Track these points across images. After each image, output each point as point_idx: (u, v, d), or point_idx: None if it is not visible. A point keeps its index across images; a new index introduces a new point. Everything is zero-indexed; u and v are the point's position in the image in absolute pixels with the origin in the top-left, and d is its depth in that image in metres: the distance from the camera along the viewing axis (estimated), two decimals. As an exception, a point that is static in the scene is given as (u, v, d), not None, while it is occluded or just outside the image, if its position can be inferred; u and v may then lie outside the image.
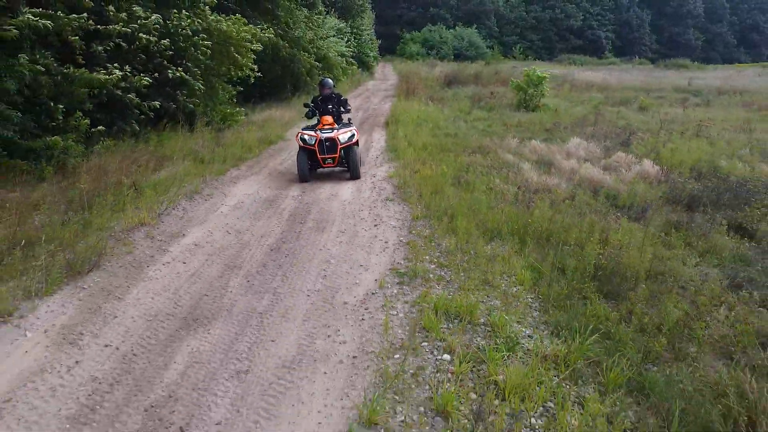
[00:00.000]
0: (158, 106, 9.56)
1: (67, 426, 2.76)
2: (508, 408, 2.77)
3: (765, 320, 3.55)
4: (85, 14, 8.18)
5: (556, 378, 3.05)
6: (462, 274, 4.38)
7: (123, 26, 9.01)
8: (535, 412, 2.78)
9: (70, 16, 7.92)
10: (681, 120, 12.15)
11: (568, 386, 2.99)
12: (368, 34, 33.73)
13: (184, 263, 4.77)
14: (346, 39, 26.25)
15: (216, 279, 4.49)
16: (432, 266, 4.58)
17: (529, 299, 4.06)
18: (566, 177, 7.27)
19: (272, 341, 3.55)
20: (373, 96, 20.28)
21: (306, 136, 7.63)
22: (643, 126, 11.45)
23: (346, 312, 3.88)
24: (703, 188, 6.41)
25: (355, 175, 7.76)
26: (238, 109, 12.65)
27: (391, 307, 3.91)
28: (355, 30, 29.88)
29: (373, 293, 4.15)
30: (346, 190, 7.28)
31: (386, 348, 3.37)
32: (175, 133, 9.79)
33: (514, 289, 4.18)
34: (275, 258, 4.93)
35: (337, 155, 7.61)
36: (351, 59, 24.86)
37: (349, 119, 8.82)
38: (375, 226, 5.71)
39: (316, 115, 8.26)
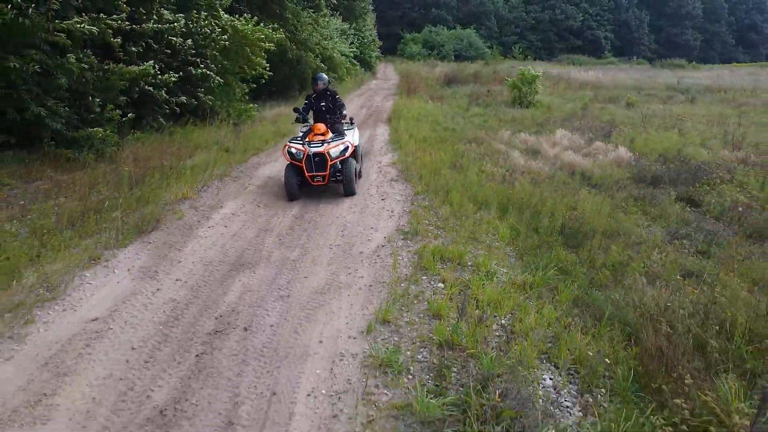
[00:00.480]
0: (184, 102, 10.64)
1: (160, 327, 3.80)
2: (482, 313, 3.80)
3: (688, 260, 4.58)
4: (123, 14, 9.23)
5: (522, 297, 4.08)
6: (454, 232, 5.41)
7: (155, 24, 10.05)
8: (504, 316, 3.81)
9: (111, 17, 8.97)
10: (662, 115, 13.18)
11: (530, 302, 4.02)
12: (370, 35, 34.79)
13: (226, 227, 5.81)
14: (349, 40, 27.31)
15: (253, 238, 5.52)
16: (430, 227, 5.62)
17: (508, 250, 5.09)
18: (550, 162, 8.30)
19: (305, 278, 4.59)
20: (375, 95, 21.32)
21: (293, 150, 6.75)
22: (627, 120, 12.49)
23: (361, 258, 4.92)
24: (666, 169, 7.43)
25: (349, 191, 6.88)
26: (251, 105, 13.70)
27: (398, 254, 4.95)
28: (357, 31, 30.95)
29: (382, 246, 5.19)
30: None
31: (394, 279, 4.41)
32: (196, 127, 10.83)
33: (496, 243, 5.22)
34: (300, 224, 5.97)
35: (326, 173, 6.67)
36: (354, 60, 25.91)
37: (351, 119, 7.95)
38: (382, 200, 6.75)
39: (307, 121, 7.56)
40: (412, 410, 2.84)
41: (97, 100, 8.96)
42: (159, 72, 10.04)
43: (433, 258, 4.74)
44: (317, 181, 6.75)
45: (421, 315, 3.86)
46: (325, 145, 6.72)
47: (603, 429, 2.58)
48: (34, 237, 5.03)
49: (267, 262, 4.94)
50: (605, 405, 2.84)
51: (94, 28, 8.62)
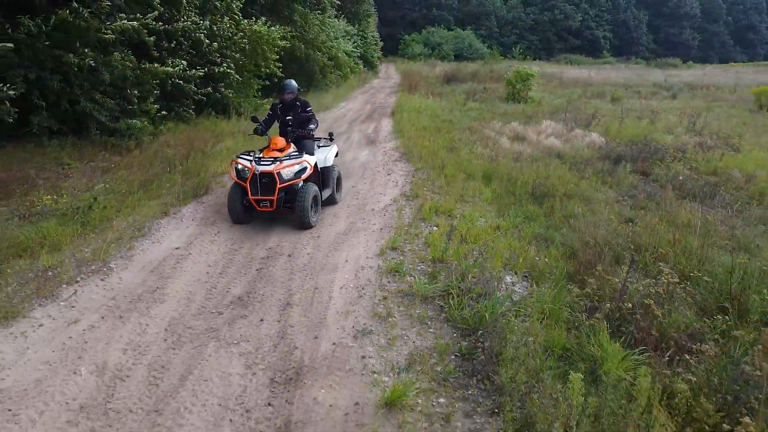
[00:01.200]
0: (210, 92, 12.06)
1: (226, 254, 5.17)
2: (469, 246, 5.16)
3: (628, 212, 5.95)
4: (156, 12, 10.60)
5: (496, 233, 5.46)
6: (447, 195, 6.79)
7: (185, 23, 11.44)
8: (480, 245, 5.18)
9: (147, 17, 10.35)
10: (641, 108, 14.55)
11: (501, 236, 5.39)
12: (372, 37, 36.21)
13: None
14: (353, 41, 28.73)
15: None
16: (427, 192, 7.00)
17: (488, 207, 6.47)
18: (532, 146, 9.68)
19: (330, 225, 5.97)
20: (378, 92, 22.72)
21: (239, 166, 5.77)
22: (609, 113, 13.86)
23: (373, 213, 6.30)
24: (629, 150, 8.78)
25: (303, 223, 5.71)
26: (266, 100, 15.09)
27: (402, 209, 6.32)
28: (361, 32, 32.37)
29: (389, 205, 6.57)
30: (363, 155, 9.69)
31: (399, 225, 5.79)
32: (218, 119, 12.23)
33: (479, 202, 6.59)
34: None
35: (274, 197, 5.57)
36: (357, 59, 27.32)
37: (331, 135, 7.13)
38: (388, 174, 8.13)
39: (266, 134, 6.55)
40: (413, 292, 4.22)
41: (135, 93, 10.37)
42: (187, 68, 11.43)
43: (430, 211, 6.12)
44: (263, 207, 5.62)
45: (420, 245, 5.24)
46: (277, 164, 5.62)
47: (539, 297, 3.94)
48: (113, 198, 6.41)
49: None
50: (544, 290, 4.21)
51: (135, 23, 10.00)
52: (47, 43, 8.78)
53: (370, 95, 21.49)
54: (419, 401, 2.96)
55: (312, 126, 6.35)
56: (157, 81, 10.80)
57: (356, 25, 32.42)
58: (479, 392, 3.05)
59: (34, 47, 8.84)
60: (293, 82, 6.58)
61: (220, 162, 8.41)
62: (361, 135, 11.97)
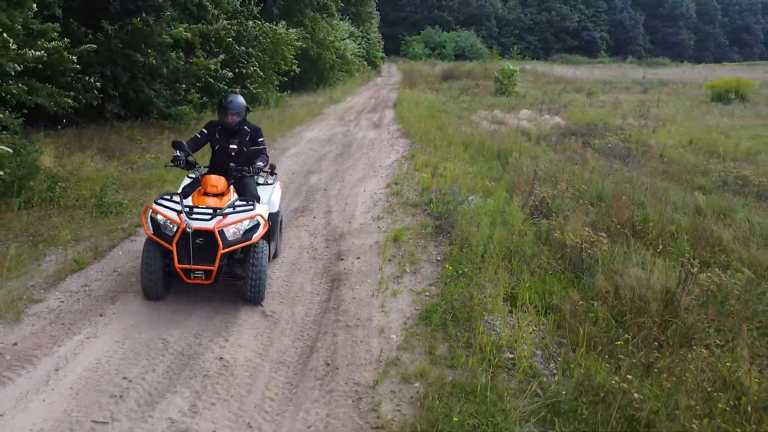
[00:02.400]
0: (243, 87, 14.65)
1: (325, 145, 7.76)
2: (446, 181, 7.72)
3: (566, 166, 8.53)
4: (203, 24, 13.21)
5: (469, 176, 8.03)
6: (435, 157, 9.38)
7: (223, 29, 14.04)
8: (454, 180, 7.75)
9: (197, 25, 12.96)
10: (609, 100, 17.14)
11: (470, 177, 7.96)
12: (375, 37, 38.86)
13: (296, 156, 9.78)
14: (357, 41, 31.37)
15: (315, 162, 9.49)
16: (421, 155, 9.58)
17: (466, 165, 9.05)
18: (507, 127, 12.26)
19: (350, 175, 8.56)
20: (381, 89, 25.34)
21: (161, 218, 4.13)
22: (580, 103, 16.43)
23: (381, 167, 8.90)
24: (583, 129, 11.33)
25: (254, 296, 4.25)
26: (284, 93, 17.70)
27: (401, 165, 8.92)
28: (364, 33, 35.02)
29: (392, 163, 9.16)
30: (371, 134, 12.27)
31: (399, 174, 8.37)
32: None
33: (458, 160, 9.18)
34: (341, 157, 9.94)
35: (214, 266, 4.04)
36: (362, 59, 29.96)
37: (272, 168, 5.11)
38: (391, 146, 10.72)
39: (195, 167, 4.70)
40: (408, 202, 6.80)
41: (183, 86, 12.97)
42: (220, 68, 14.02)
43: (421, 165, 8.70)
44: (196, 278, 4.08)
45: (413, 182, 7.82)
46: (218, 218, 4.09)
47: (489, 201, 6.49)
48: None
49: (326, 170, 8.90)
50: (492, 200, 6.77)
51: (189, 33, 12.62)
52: (120, 45, 11.40)
53: (374, 91, 24.12)
54: (410, 240, 5.53)
55: (261, 164, 4.66)
56: (200, 74, 13.37)
57: (360, 27, 35.07)
58: (442, 238, 5.61)
59: (110, 48, 11.43)
60: (240, 99, 4.76)
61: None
62: (369, 121, 14.55)
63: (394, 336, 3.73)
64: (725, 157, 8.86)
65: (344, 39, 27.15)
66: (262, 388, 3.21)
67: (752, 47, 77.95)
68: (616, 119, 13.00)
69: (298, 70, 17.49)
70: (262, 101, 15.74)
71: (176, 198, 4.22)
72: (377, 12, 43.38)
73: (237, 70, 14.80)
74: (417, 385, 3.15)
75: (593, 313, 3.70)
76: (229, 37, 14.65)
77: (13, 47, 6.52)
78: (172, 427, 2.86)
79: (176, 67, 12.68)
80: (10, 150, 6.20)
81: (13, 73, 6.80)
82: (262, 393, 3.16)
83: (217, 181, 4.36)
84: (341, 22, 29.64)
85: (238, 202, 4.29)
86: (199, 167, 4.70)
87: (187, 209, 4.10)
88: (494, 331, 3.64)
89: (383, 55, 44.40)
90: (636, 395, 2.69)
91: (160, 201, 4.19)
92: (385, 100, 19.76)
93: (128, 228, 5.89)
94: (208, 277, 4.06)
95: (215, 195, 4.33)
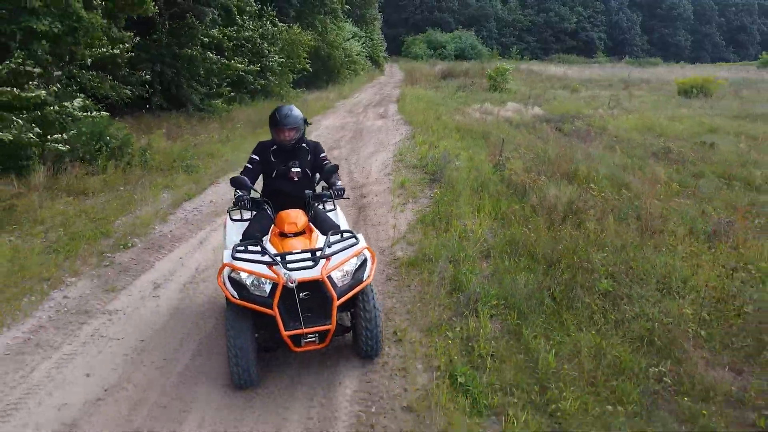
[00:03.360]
0: (263, 84, 17.13)
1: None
2: (440, 152, 10.13)
3: (535, 140, 10.94)
4: (235, 27, 15.68)
5: (457, 149, 10.46)
6: (432, 137, 11.80)
7: (250, 32, 16.51)
8: (446, 150, 10.17)
9: (229, 28, 15.42)
10: (588, 95, 19.56)
11: (461, 150, 10.38)
12: (378, 38, 41.35)
13: (318, 138, 12.20)
14: (361, 42, 33.86)
15: (334, 142, 11.91)
16: (420, 137, 12.00)
17: (456, 142, 11.47)
18: (494, 117, 14.67)
19: (363, 150, 10.99)
20: (385, 86, 27.79)
21: (245, 275, 3.30)
22: (562, 98, 18.85)
23: (388, 145, 11.33)
24: (557, 117, 13.72)
25: (371, 350, 3.56)
26: (298, 90, 20.16)
27: (404, 143, 11.34)
28: (368, 34, 37.51)
29: (397, 142, 11.59)
30: (378, 123, 14.67)
31: (403, 148, 10.80)
32: (268, 102, 17.23)
33: (451, 139, 11.60)
34: (355, 139, 12.37)
35: (332, 325, 3.30)
36: (366, 59, 32.43)
37: (338, 189, 3.90)
38: (396, 130, 13.15)
39: (264, 207, 3.90)
40: (410, 164, 9.22)
41: (215, 82, 15.43)
42: (247, 64, 16.46)
43: (421, 143, 11.11)
44: (308, 344, 3.34)
45: (414, 154, 10.23)
46: (322, 264, 3.32)
47: (469, 161, 8.90)
48: (228, 137, 11.42)
49: (345, 145, 11.31)
50: (471, 161, 9.17)
51: (222, 35, 15.08)
52: (166, 42, 13.81)
53: (378, 88, 26.58)
54: (412, 185, 7.93)
55: (340, 183, 3.96)
56: (230, 72, 15.80)
57: (364, 28, 37.57)
58: (434, 185, 8.00)
59: (159, 45, 13.80)
60: (296, 111, 3.97)
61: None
62: (375, 113, 16.97)
63: (402, 228, 6.14)
64: (664, 136, 11.24)
65: (348, 39, 29.62)
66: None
67: (748, 47, 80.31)
68: (589, 110, 15.39)
69: (310, 69, 19.93)
70: (278, 96, 18.18)
71: (255, 247, 3.35)
72: (380, 14, 45.83)
73: (261, 64, 17.25)
74: (415, 246, 5.56)
75: (524, 213, 6.10)
76: (254, 37, 17.13)
77: (96, 49, 8.95)
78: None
79: (211, 66, 15.10)
80: (125, 125, 8.65)
81: (89, 63, 9.21)
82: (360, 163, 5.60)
83: (296, 217, 3.59)
84: (345, 23, 32.14)
85: (332, 238, 3.44)
86: (265, 205, 3.85)
87: (277, 257, 3.25)
88: (464, 224, 6.03)
89: (386, 55, 46.87)
90: (535, 238, 5.11)
91: (237, 255, 3.28)
92: (389, 96, 22.19)
93: (209, 179, 8.33)
94: (323, 339, 3.32)
95: (297, 234, 3.55)
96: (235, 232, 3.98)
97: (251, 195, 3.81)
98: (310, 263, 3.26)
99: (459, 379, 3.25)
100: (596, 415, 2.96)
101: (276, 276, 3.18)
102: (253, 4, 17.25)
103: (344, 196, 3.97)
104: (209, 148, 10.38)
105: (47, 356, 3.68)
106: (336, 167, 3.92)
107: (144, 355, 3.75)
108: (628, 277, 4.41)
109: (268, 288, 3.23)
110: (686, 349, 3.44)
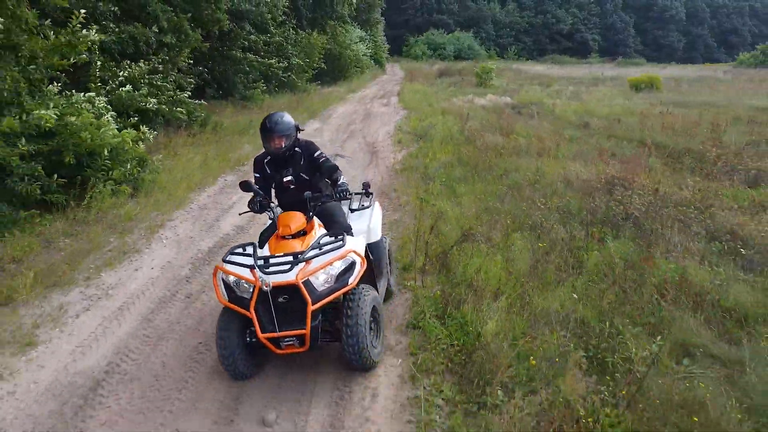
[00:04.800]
0: (287, 79, 21.75)
1: (354, 114, 14.75)
2: (425, 122, 14.64)
3: (500, 122, 15.48)
4: (268, 33, 20.28)
5: (439, 122, 15.01)
6: (422, 117, 16.36)
7: (278, 37, 21.11)
8: (431, 123, 14.71)
9: (262, 35, 20.02)
10: (559, 89, 24.12)
11: (441, 123, 14.91)
12: (381, 40, 45.98)
13: (338, 118, 16.78)
14: (366, 44, 38.47)
15: (350, 121, 16.47)
16: (414, 116, 16.54)
17: (439, 118, 16.02)
18: (473, 104, 19.21)
19: (372, 125, 15.59)
20: (387, 83, 32.39)
21: (233, 278, 3.56)
22: (535, 91, 23.36)
23: (390, 122, 15.92)
24: (520, 104, 18.20)
25: (355, 360, 3.60)
26: (314, 84, 24.73)
27: (402, 120, 15.88)
28: (372, 36, 42.14)
29: (397, 120, 16.18)
30: (383, 109, 19.20)
31: (401, 123, 15.35)
32: (291, 93, 21.82)
33: (436, 118, 16.16)
34: (365, 119, 16.93)
35: (306, 329, 3.42)
36: (370, 59, 37.05)
37: (367, 187, 4.56)
38: (396, 114, 17.72)
39: (268, 208, 4.12)
40: (405, 131, 13.76)
41: (251, 76, 20.03)
42: (276, 63, 20.99)
43: (414, 120, 15.63)
44: (288, 347, 3.49)
45: (408, 125, 14.76)
46: (300, 267, 3.46)
47: (444, 127, 13.42)
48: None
49: (358, 123, 15.86)
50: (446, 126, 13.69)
51: (258, 39, 19.67)
52: (217, 45, 18.35)
53: (381, 85, 31.19)
54: (406, 141, 12.48)
55: (343, 180, 4.08)
56: (263, 69, 20.30)
57: (368, 31, 42.19)
58: (420, 140, 12.50)
59: (213, 47, 18.35)
60: (287, 117, 4.03)
61: (312, 108, 17.95)
62: (380, 103, 21.53)
63: (399, 158, 10.67)
64: (594, 116, 15.70)
65: (356, 42, 34.22)
66: (386, 111, 10.28)
67: (739, 49, 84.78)
68: (549, 100, 19.88)
69: (325, 67, 24.51)
70: (300, 89, 22.77)
71: (249, 249, 3.62)
72: (382, 18, 50.48)
73: (286, 63, 21.82)
74: (405, 164, 10.08)
75: (471, 150, 10.61)
76: (281, 41, 21.71)
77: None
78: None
79: (251, 64, 19.62)
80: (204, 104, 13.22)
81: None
82: (369, 133, 10.20)
83: (291, 219, 3.74)
84: (352, 27, 36.75)
85: (324, 240, 3.63)
86: (274, 207, 4.12)
87: (261, 261, 3.43)
88: (434, 154, 10.51)
89: (388, 55, 51.50)
90: (469, 156, 9.64)
91: (229, 257, 3.57)
92: (391, 91, 26.77)
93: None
94: (303, 343, 3.42)
95: (295, 236, 3.69)
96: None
97: (261, 202, 4.09)
98: (287, 267, 3.36)
99: (423, 197, 7.73)
100: (477, 194, 7.44)
101: (254, 279, 3.36)
102: (281, 15, 21.84)
103: (348, 195, 3.99)
104: (248, 120, 14.90)
105: (226, 199, 8.19)
106: (335, 167, 3.97)
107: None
108: (514, 171, 8.89)
109: (250, 290, 3.41)
110: (526, 189, 7.91)
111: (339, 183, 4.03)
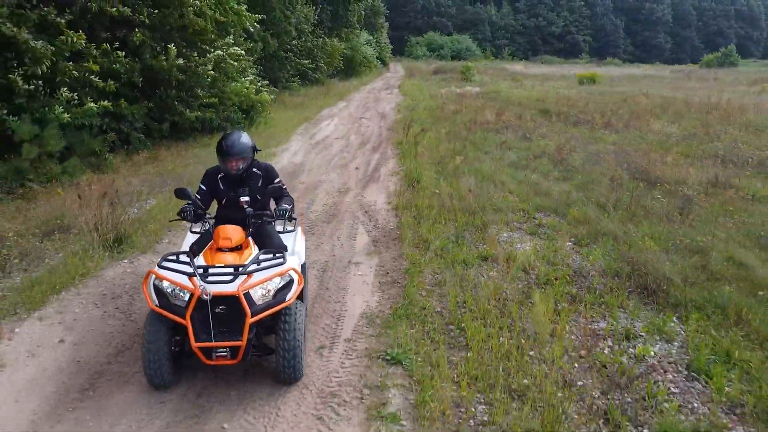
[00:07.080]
0: (316, 76, 30.19)
1: (366, 99, 23.07)
2: (416, 101, 22.90)
3: (462, 99, 23.80)
4: (303, 39, 28.73)
5: (426, 102, 23.33)
6: (413, 100, 24.68)
7: (310, 43, 29.54)
8: (418, 102, 23.02)
9: (297, 40, 28.45)
10: (525, 84, 32.39)
11: (428, 102, 23.22)
12: (385, 42, 54.45)
13: (357, 101, 25.09)
14: (372, 46, 46.95)
15: (365, 103, 24.75)
16: (408, 99, 24.81)
17: (428, 100, 24.36)
18: (453, 94, 27.52)
19: (380, 105, 23.88)
20: (390, 79, 40.76)
21: (166, 284, 3.68)
22: (504, 85, 31.58)
23: (393, 102, 24.21)
24: (485, 92, 26.33)
25: (289, 374, 3.77)
26: (334, 79, 33.05)
27: (401, 101, 24.19)
28: (377, 39, 50.64)
29: (397, 101, 24.46)
30: (386, 95, 27.50)
31: (400, 103, 23.64)
32: (316, 87, 30.21)
33: (425, 100, 24.49)
34: (375, 102, 25.24)
35: (242, 341, 3.59)
36: (376, 59, 45.56)
37: (289, 212, 4.42)
38: (397, 98, 26.04)
39: (204, 219, 4.42)
40: (403, 107, 22.08)
41: (291, 72, 28.44)
42: (308, 64, 29.33)
43: (409, 101, 23.89)
44: (219, 358, 3.62)
45: (405, 103, 23.03)
46: (241, 280, 3.65)
47: (428, 104, 21.71)
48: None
49: (370, 102, 24.13)
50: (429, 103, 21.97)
51: (298, 44, 28.09)
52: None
53: (386, 81, 39.61)
54: (403, 110, 20.74)
55: (287, 206, 4.31)
56: (301, 67, 28.64)
57: (373, 34, 50.66)
58: (411, 111, 20.73)
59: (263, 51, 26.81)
60: (244, 138, 4.25)
61: (331, 100, 26.23)
62: (385, 92, 29.83)
63: (397, 119, 18.96)
64: (539, 100, 23.83)
65: (364, 45, 42.66)
66: (390, 99, 18.74)
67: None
68: (508, 90, 28.07)
69: (342, 66, 32.92)
70: (324, 83, 31.12)
71: (184, 257, 3.71)
72: (386, 22, 59.00)
73: (315, 64, 30.22)
74: (400, 120, 18.35)
75: (440, 114, 18.86)
76: (311, 47, 30.14)
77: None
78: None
79: (291, 64, 27.96)
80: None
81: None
82: (391, 99, 18.64)
83: (232, 232, 3.92)
84: (361, 32, 45.19)
85: (263, 256, 3.82)
86: (209, 218, 4.41)
87: (200, 270, 3.57)
88: (419, 117, 18.74)
89: (391, 55, 59.96)
90: (446, 116, 17.98)
91: (163, 263, 3.69)
92: (393, 84, 35.11)
93: (316, 111, 21.18)
94: (235, 355, 3.58)
95: (231, 250, 3.88)
96: (187, 244, 4.43)
97: (197, 211, 4.20)
98: (229, 278, 3.53)
99: (409, 124, 15.97)
100: (438, 126, 15.73)
101: (193, 288, 3.48)
102: (311, 26, 30.28)
103: (289, 217, 4.39)
104: (301, 101, 23.10)
105: (318, 125, 16.51)
106: (281, 188, 4.26)
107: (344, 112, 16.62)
108: (459, 119, 17.16)
109: (186, 298, 3.53)
110: (461, 125, 16.16)
111: (282, 206, 4.22)
